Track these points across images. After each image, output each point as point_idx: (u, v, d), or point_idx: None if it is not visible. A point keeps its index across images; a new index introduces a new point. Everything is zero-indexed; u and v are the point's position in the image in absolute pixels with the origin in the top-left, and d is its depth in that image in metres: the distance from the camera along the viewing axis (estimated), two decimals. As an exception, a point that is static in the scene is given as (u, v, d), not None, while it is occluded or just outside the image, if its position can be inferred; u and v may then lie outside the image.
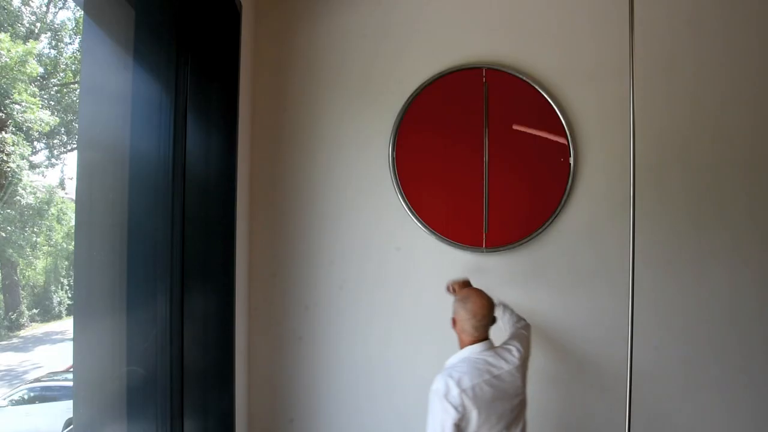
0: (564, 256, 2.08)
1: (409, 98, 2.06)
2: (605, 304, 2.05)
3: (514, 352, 1.56)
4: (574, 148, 2.07)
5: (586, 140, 2.08)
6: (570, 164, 2.07)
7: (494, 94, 2.06)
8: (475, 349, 1.54)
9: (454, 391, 1.43)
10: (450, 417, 1.41)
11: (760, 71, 2.12)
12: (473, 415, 1.43)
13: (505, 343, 1.61)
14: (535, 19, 2.11)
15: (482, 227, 2.04)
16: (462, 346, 1.58)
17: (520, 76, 2.07)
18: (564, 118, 2.06)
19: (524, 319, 1.82)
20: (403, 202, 2.05)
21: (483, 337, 1.56)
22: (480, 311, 1.55)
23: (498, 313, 1.82)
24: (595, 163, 2.08)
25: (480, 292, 1.60)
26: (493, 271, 2.05)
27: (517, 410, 1.53)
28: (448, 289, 1.82)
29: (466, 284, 1.81)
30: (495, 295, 1.84)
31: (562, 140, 2.07)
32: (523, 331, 1.71)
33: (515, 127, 2.07)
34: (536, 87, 2.07)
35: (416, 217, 2.05)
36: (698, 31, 2.13)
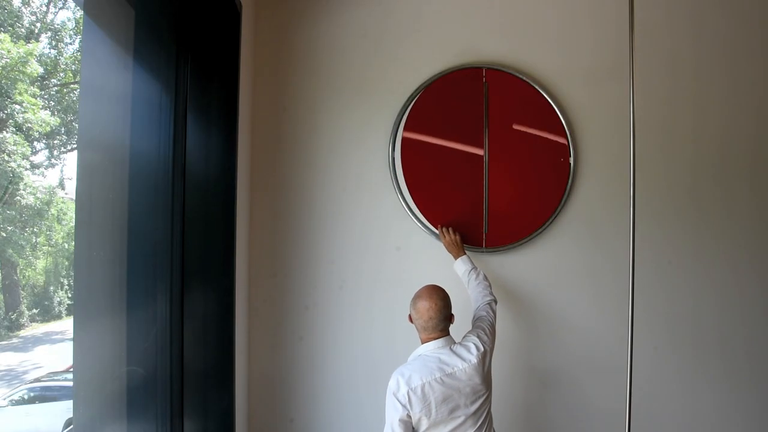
0: (564, 257, 2.08)
1: (409, 98, 2.06)
2: (605, 305, 2.05)
3: (472, 350, 1.54)
4: (574, 148, 2.07)
5: (586, 140, 2.08)
6: (570, 164, 2.07)
7: (494, 94, 2.06)
8: (428, 347, 1.55)
9: (403, 389, 1.46)
10: (397, 414, 1.46)
11: (761, 70, 2.12)
12: (422, 413, 1.46)
13: (465, 338, 1.59)
14: (535, 19, 2.11)
15: (482, 227, 2.04)
16: (421, 342, 1.59)
17: (520, 76, 2.07)
18: (564, 118, 2.06)
19: (492, 295, 1.79)
20: (402, 202, 2.05)
21: (437, 335, 1.55)
22: (426, 313, 1.54)
23: (465, 276, 1.87)
24: (595, 163, 2.08)
25: (431, 293, 1.57)
26: (492, 271, 2.05)
27: (479, 408, 1.52)
28: (437, 228, 1.99)
29: (456, 241, 1.94)
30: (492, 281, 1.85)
31: (562, 140, 2.07)
32: (486, 317, 1.68)
33: (515, 126, 2.07)
34: (536, 87, 2.07)
35: (416, 217, 2.05)
36: (698, 31, 2.13)
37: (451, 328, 1.61)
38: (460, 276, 1.90)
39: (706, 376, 2.09)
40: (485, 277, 1.85)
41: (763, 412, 2.09)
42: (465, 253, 1.93)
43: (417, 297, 1.59)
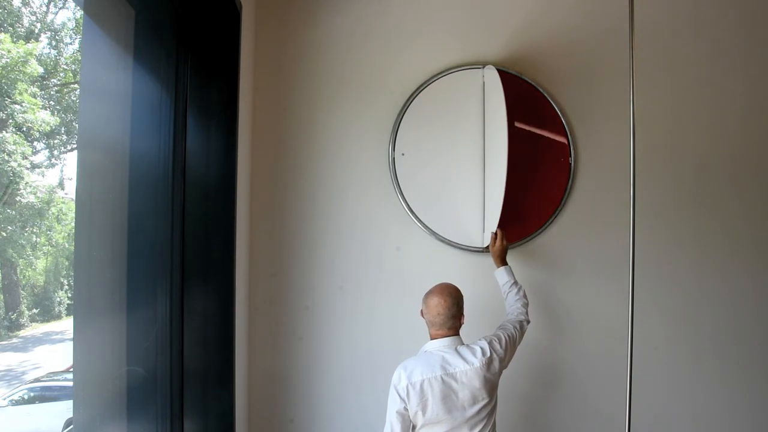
0: (564, 257, 2.08)
1: (409, 98, 2.06)
2: (605, 305, 2.05)
3: (478, 354, 1.52)
4: (574, 148, 2.07)
5: (586, 140, 2.08)
6: (570, 164, 2.07)
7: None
8: (434, 344, 1.55)
9: (403, 382, 1.48)
10: (395, 405, 1.49)
11: (761, 71, 2.12)
12: (418, 408, 1.47)
13: (476, 341, 1.58)
14: (535, 18, 2.11)
15: (481, 227, 2.04)
16: (429, 338, 1.59)
17: (521, 76, 2.07)
18: (564, 118, 2.06)
19: (527, 315, 1.76)
20: (402, 202, 2.05)
21: (443, 332, 1.55)
22: (434, 308, 1.55)
23: (504, 287, 1.84)
24: (595, 163, 2.08)
25: (443, 290, 1.57)
26: (492, 272, 2.05)
27: (477, 413, 1.50)
28: (497, 229, 1.90)
29: (503, 246, 1.88)
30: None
31: (562, 140, 2.07)
32: (510, 329, 1.65)
33: (515, 125, 2.07)
34: (536, 87, 2.07)
35: (416, 217, 2.05)
36: (698, 31, 2.13)
37: (465, 332, 1.60)
38: (500, 285, 1.87)
39: (706, 375, 2.09)
40: (525, 295, 1.81)
41: (762, 412, 2.09)
42: (507, 264, 1.88)
43: (429, 292, 1.60)
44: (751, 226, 2.10)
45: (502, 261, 1.88)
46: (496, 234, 1.90)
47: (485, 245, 2.03)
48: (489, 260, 2.04)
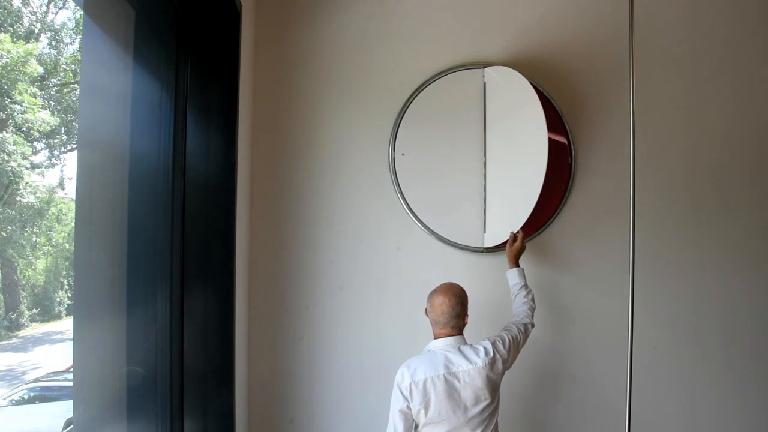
0: (564, 257, 2.08)
1: (409, 98, 2.06)
2: (605, 305, 2.05)
3: (481, 353, 1.52)
4: (574, 148, 2.07)
5: (586, 140, 2.08)
6: (570, 164, 2.07)
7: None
8: (438, 344, 1.56)
9: (406, 381, 1.49)
10: (398, 404, 1.50)
11: (761, 70, 2.12)
12: (421, 407, 1.47)
13: (479, 341, 1.58)
14: (534, 18, 2.11)
15: (482, 228, 2.04)
16: (433, 337, 1.60)
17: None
18: (564, 118, 2.06)
19: (531, 319, 1.75)
20: (402, 202, 2.05)
21: (447, 331, 1.56)
22: (438, 307, 1.56)
23: (514, 288, 1.84)
24: (595, 163, 2.08)
25: (447, 289, 1.58)
26: (492, 272, 2.05)
27: (479, 413, 1.50)
28: (519, 231, 1.90)
29: (520, 248, 1.87)
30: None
31: (562, 140, 2.07)
32: (514, 331, 1.65)
33: (515, 127, 2.07)
34: (536, 87, 2.06)
35: (416, 218, 2.04)
36: (699, 30, 2.13)
37: (465, 332, 1.60)
38: (510, 286, 1.87)
39: (706, 376, 2.09)
40: (533, 299, 1.81)
41: (764, 412, 2.09)
42: (520, 266, 1.88)
43: (434, 291, 1.60)
44: (753, 224, 2.10)
45: (516, 262, 1.88)
46: (516, 235, 1.89)
47: (485, 245, 2.03)
48: (489, 260, 2.05)
